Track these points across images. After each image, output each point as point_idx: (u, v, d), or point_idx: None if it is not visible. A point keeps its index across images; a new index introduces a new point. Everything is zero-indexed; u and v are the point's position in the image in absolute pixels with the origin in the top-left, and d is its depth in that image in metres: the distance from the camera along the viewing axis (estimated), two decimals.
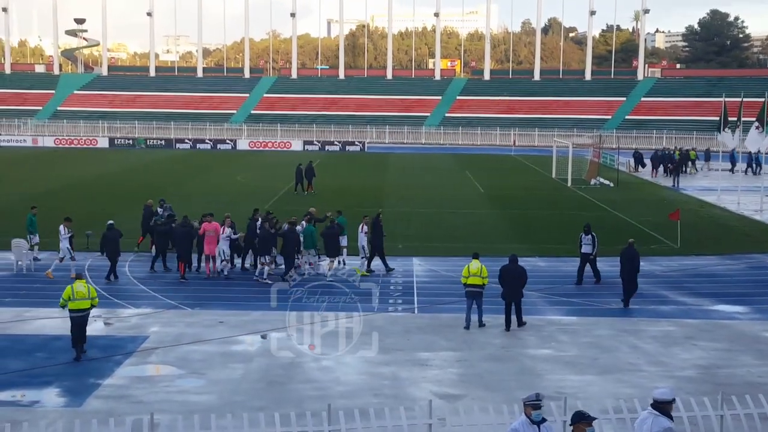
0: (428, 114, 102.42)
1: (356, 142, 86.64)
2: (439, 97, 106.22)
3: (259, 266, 25.41)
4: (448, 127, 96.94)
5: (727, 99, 46.46)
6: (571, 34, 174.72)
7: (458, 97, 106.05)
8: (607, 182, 52.29)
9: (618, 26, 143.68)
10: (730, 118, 45.07)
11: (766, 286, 24.25)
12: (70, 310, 17.93)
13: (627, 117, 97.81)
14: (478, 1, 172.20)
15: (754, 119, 41.69)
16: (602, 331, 20.26)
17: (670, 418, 9.90)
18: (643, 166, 61.00)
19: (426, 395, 15.13)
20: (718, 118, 47.55)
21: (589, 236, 25.14)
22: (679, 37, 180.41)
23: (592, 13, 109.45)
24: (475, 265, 20.62)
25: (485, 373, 17.16)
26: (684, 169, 58.04)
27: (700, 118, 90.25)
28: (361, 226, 26.65)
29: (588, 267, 25.26)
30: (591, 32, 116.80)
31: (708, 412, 12.35)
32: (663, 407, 9.88)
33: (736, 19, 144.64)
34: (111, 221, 26.33)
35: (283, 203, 40.64)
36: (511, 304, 20.36)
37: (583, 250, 25.22)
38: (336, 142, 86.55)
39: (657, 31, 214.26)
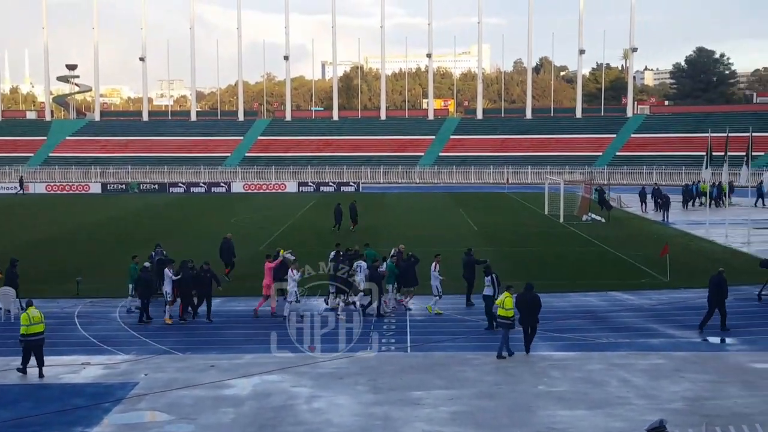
0: (422, 153, 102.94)
1: (351, 183, 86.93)
2: (433, 137, 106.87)
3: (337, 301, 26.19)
4: (442, 167, 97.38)
5: (712, 135, 46.85)
6: (562, 73, 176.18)
7: (452, 137, 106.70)
8: (598, 218, 52.49)
9: (607, 64, 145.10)
10: (714, 153, 45.55)
11: (754, 317, 24.39)
12: (29, 335, 19.48)
13: (617, 153, 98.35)
14: (470, 42, 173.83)
15: (742, 153, 42.19)
16: (593, 365, 20.34)
17: None
18: (609, 208, 54.49)
19: None
20: (704, 154, 47.80)
21: (489, 277, 24.63)
22: (667, 74, 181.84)
23: (582, 52, 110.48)
24: (500, 297, 21.74)
25: (477, 410, 17.21)
26: (718, 202, 57.20)
27: (689, 153, 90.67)
28: (433, 265, 27.00)
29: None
30: (581, 71, 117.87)
31: None
32: None
33: (722, 56, 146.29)
34: (147, 263, 26.81)
35: (275, 245, 40.70)
36: (527, 330, 21.62)
37: (485, 292, 24.62)
38: (331, 183, 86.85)
39: (645, 68, 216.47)
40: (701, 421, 14.74)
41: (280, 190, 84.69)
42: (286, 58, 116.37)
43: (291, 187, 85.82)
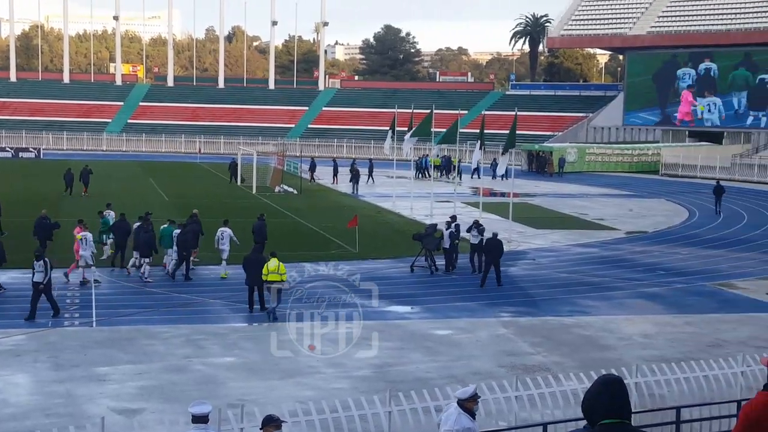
0: (109, 120, 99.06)
1: (31, 149, 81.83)
2: (121, 103, 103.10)
3: (145, 267, 26.27)
4: (130, 134, 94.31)
5: (398, 110, 49.13)
6: (255, 43, 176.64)
7: (141, 103, 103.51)
8: (291, 189, 53.30)
9: (300, 37, 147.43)
10: (398, 128, 47.95)
11: (433, 286, 25.84)
12: None
13: (310, 126, 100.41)
14: (160, 6, 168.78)
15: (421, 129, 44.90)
16: (286, 336, 20.53)
17: (473, 416, 10.21)
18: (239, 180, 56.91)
19: (103, 411, 14.53)
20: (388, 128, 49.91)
21: (41, 262, 21.25)
22: (357, 50, 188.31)
23: (274, 23, 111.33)
24: (273, 263, 22.10)
25: (166, 384, 16.84)
26: (449, 173, 60.47)
27: (377, 127, 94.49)
28: (225, 231, 28.07)
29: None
30: (273, 42, 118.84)
31: (377, 409, 12.88)
32: (466, 405, 10.10)
33: (408, 34, 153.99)
34: None
35: None
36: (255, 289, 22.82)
37: (35, 279, 21.22)
38: (8, 149, 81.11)
39: (337, 43, 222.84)
40: (386, 386, 15.36)
41: None
42: None
43: None
